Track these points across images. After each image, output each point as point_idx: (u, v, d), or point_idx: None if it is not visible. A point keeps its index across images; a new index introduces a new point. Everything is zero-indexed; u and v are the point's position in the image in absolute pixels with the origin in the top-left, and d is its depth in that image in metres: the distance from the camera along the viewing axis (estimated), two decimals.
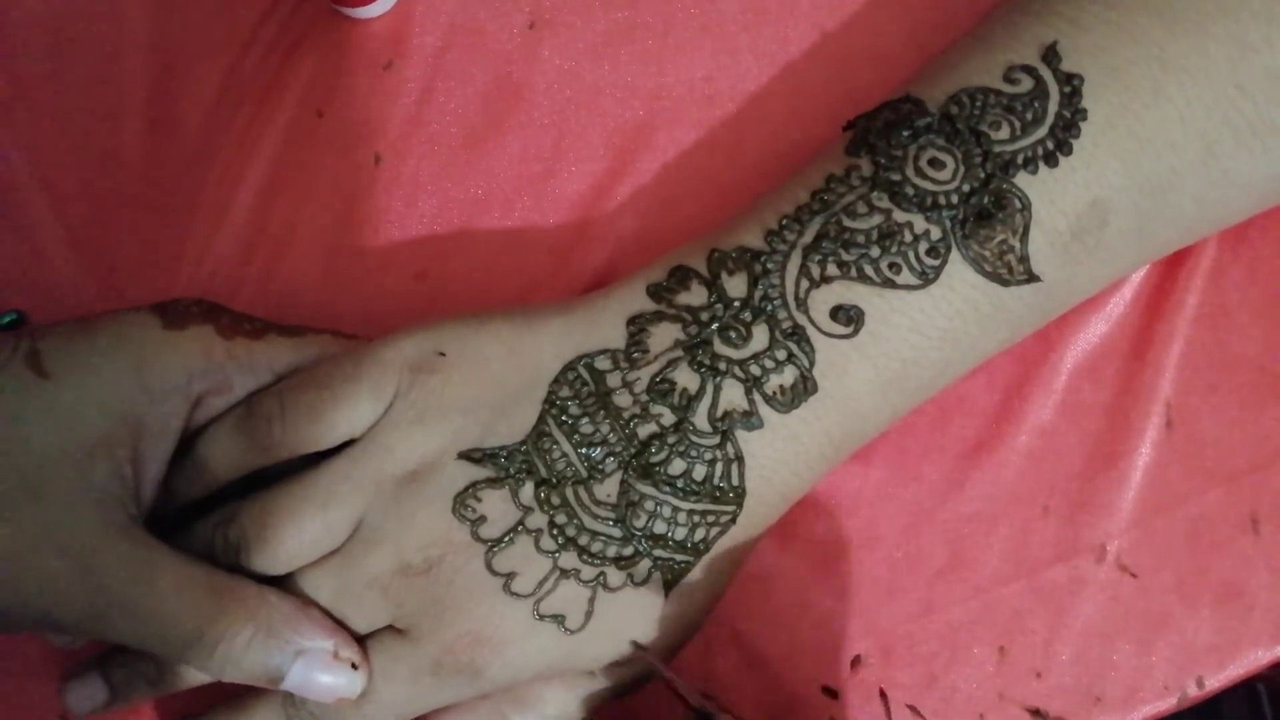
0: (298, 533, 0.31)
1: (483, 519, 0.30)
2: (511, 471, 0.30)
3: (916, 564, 0.36)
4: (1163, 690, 0.35)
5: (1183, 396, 0.36)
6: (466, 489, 0.30)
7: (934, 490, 0.36)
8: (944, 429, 0.36)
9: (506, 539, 0.30)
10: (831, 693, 0.35)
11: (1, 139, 0.36)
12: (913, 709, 0.35)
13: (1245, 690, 0.40)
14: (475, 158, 0.36)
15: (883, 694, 0.35)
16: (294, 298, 0.36)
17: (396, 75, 0.37)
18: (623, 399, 0.30)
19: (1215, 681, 0.36)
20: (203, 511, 0.33)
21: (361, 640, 0.31)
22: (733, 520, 0.31)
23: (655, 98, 0.37)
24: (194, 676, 0.32)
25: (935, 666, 0.35)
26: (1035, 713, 0.35)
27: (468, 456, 0.30)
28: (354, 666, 0.30)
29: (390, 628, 0.31)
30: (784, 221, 0.31)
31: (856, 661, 0.35)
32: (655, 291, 0.31)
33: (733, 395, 0.30)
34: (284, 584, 0.31)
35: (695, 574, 0.31)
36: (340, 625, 0.31)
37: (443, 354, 0.31)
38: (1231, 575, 0.36)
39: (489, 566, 0.30)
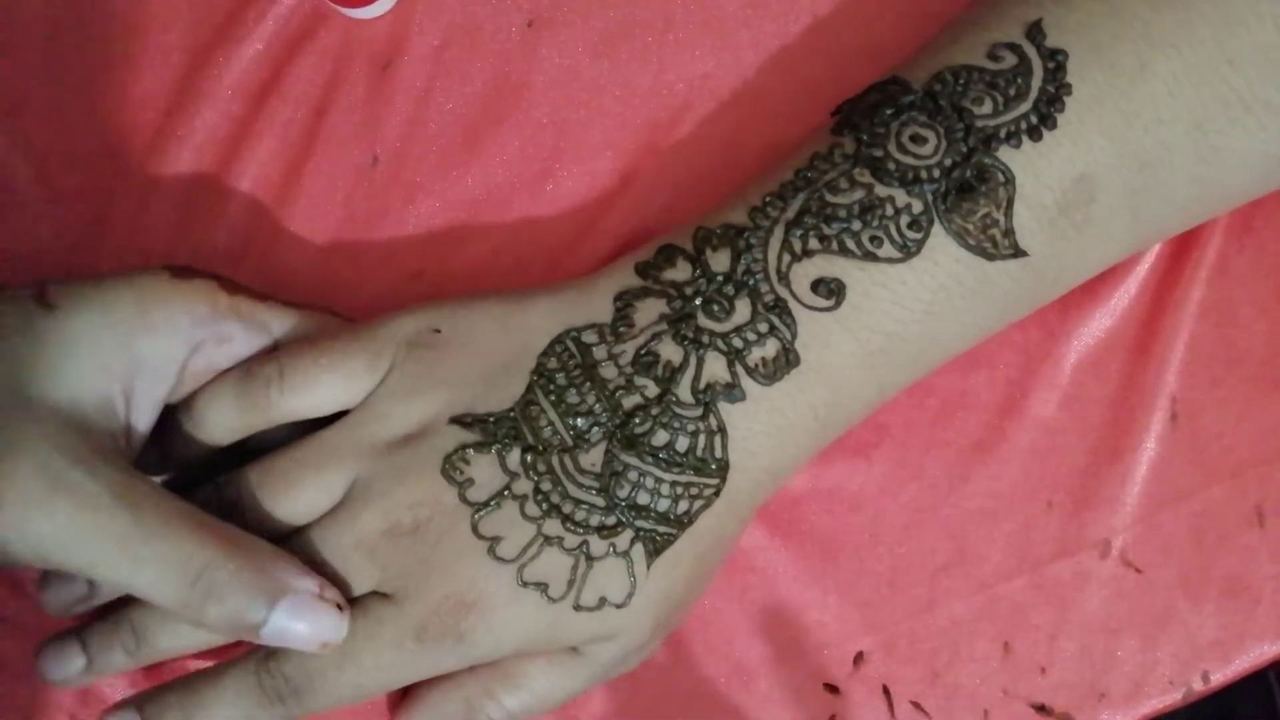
0: (293, 495, 0.31)
1: (470, 481, 0.30)
2: (499, 436, 0.31)
3: (920, 560, 0.36)
4: (1168, 685, 0.35)
5: (1187, 391, 0.36)
6: (455, 450, 0.31)
7: (937, 486, 0.36)
8: (947, 424, 0.36)
9: (493, 503, 0.30)
10: (834, 689, 0.35)
11: (2, 140, 0.37)
12: (916, 705, 0.35)
13: (1257, 679, 0.40)
14: (474, 157, 0.37)
15: (886, 690, 0.35)
16: (291, 297, 0.36)
17: (396, 75, 0.37)
18: (608, 371, 0.31)
19: (1221, 676, 0.36)
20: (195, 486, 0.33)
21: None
22: (716, 493, 0.31)
23: (655, 95, 0.37)
24: (172, 647, 0.32)
25: (939, 662, 0.35)
26: (1040, 708, 0.35)
27: (459, 421, 0.31)
28: (339, 609, 0.30)
29: (375, 593, 0.31)
30: (767, 198, 0.31)
31: (859, 658, 0.35)
32: (642, 269, 0.32)
33: (715, 367, 0.30)
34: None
35: (680, 547, 0.31)
36: None
37: (438, 331, 0.32)
38: (1237, 569, 0.36)
39: (475, 529, 0.30)
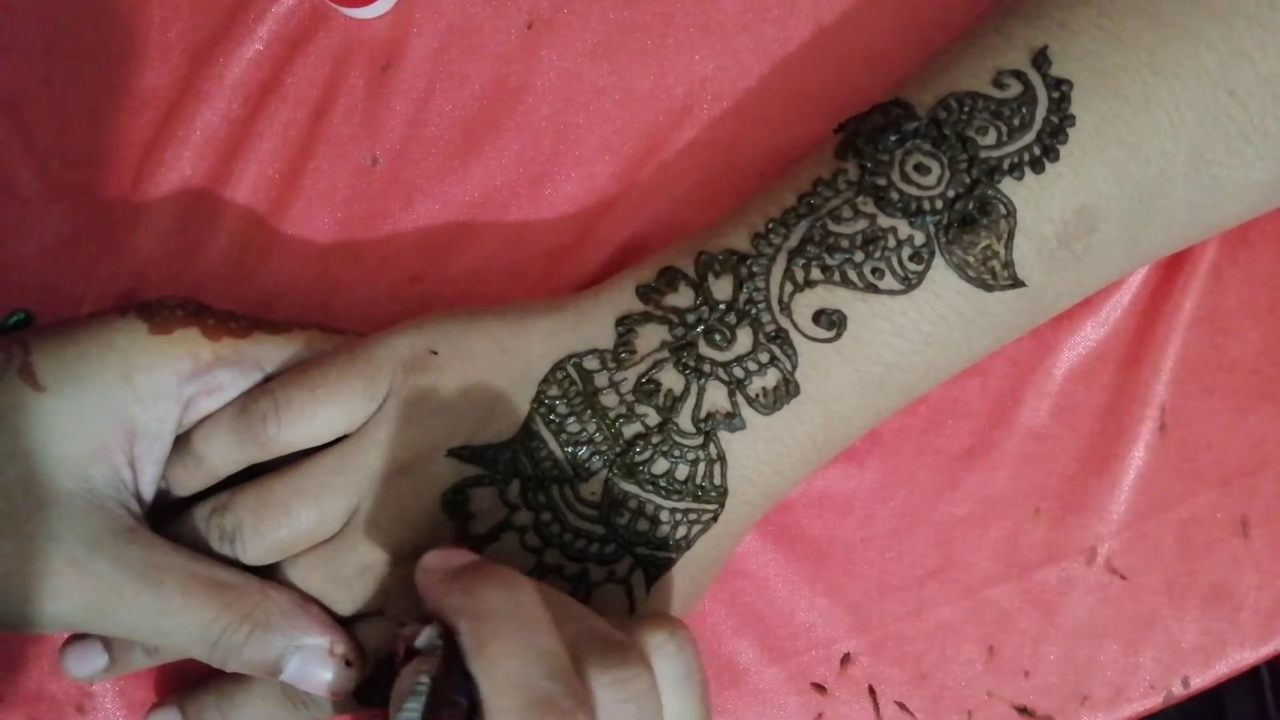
0: (292, 523, 0.32)
1: (471, 516, 0.31)
2: (499, 470, 0.31)
3: (908, 564, 0.36)
4: (1148, 689, 0.36)
5: (1177, 399, 0.36)
6: (455, 486, 0.31)
7: (927, 492, 0.36)
8: (937, 431, 0.36)
9: (492, 535, 0.31)
10: (821, 689, 0.36)
11: (2, 139, 0.37)
12: (901, 705, 0.36)
13: (1249, 678, 0.41)
14: (473, 160, 0.37)
15: (872, 691, 0.36)
16: (289, 299, 0.36)
17: (395, 76, 0.37)
18: (609, 399, 0.31)
19: (1201, 681, 0.36)
20: (196, 495, 0.33)
21: (352, 621, 0.32)
22: (714, 519, 0.31)
23: (654, 99, 0.37)
24: None
25: (925, 664, 0.36)
26: (1023, 710, 0.36)
27: (457, 454, 0.31)
28: (348, 664, 0.31)
29: (380, 613, 0.32)
30: (770, 225, 0.31)
31: (847, 659, 0.36)
32: (644, 292, 0.32)
33: (716, 397, 0.31)
34: (277, 571, 0.32)
35: (678, 570, 0.31)
36: (330, 611, 0.32)
37: (435, 352, 0.32)
38: (1221, 577, 0.36)
39: None
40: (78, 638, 0.33)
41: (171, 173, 0.36)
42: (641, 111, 0.37)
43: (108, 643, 0.33)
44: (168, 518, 0.33)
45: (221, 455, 0.32)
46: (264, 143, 0.36)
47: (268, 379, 0.33)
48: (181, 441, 0.33)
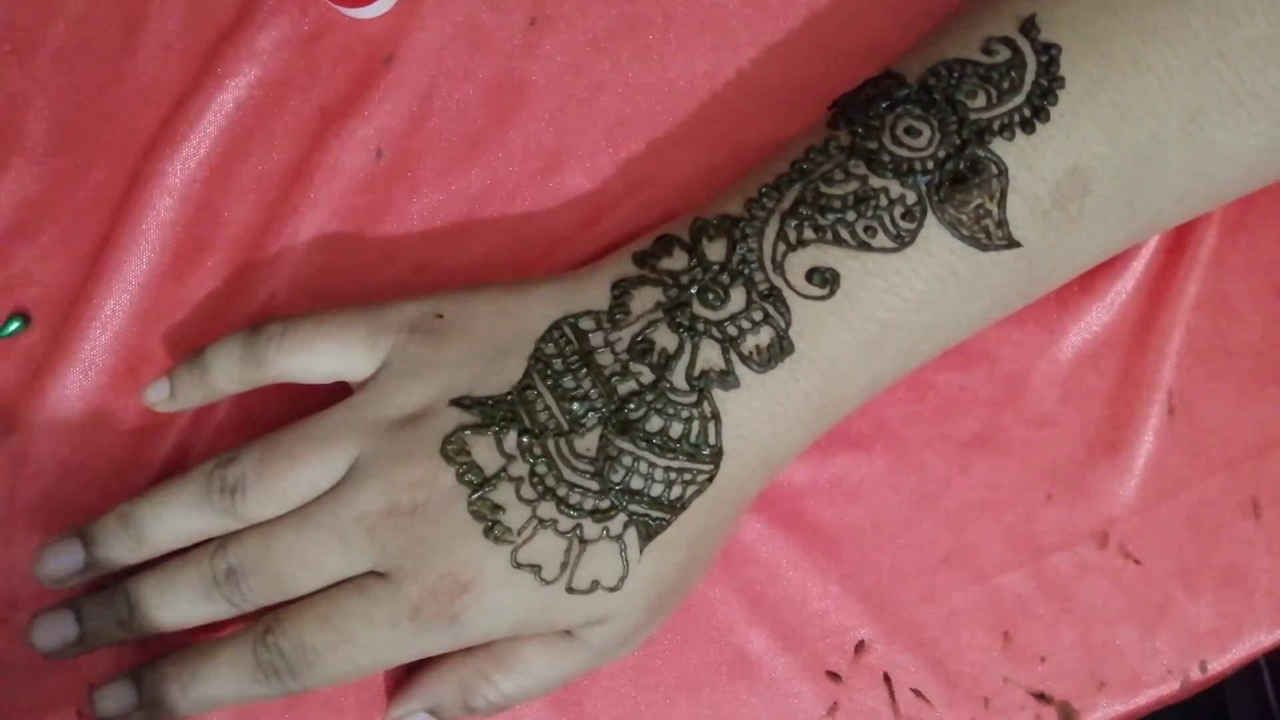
0: (296, 470, 0.32)
1: (468, 462, 0.31)
2: (497, 419, 0.31)
3: (921, 551, 0.36)
4: (1165, 674, 0.36)
5: (1184, 383, 0.37)
6: (454, 431, 0.31)
7: (937, 478, 0.36)
8: (947, 418, 0.36)
9: (489, 484, 0.31)
10: (836, 677, 0.36)
11: (2, 140, 0.37)
12: (917, 693, 0.36)
13: (1248, 668, 0.40)
14: (476, 153, 0.37)
15: (887, 678, 0.36)
16: (293, 290, 0.36)
17: (399, 72, 0.37)
18: (604, 357, 0.31)
19: (1218, 665, 0.36)
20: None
21: (343, 583, 0.32)
22: (709, 479, 0.31)
23: (656, 92, 0.37)
24: (167, 620, 0.33)
25: (939, 651, 0.36)
26: (1039, 696, 0.36)
27: (458, 403, 0.31)
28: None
29: (373, 573, 0.32)
30: (763, 190, 0.31)
31: (861, 646, 0.36)
32: (640, 258, 0.32)
33: (710, 355, 0.31)
34: (276, 522, 0.32)
35: (673, 533, 0.31)
36: (323, 565, 0.32)
37: (440, 316, 0.33)
38: (1233, 560, 0.36)
39: (471, 510, 0.31)
40: (47, 609, 0.33)
41: (173, 171, 0.36)
42: (643, 105, 0.37)
43: (78, 611, 0.33)
44: (170, 476, 0.33)
45: (224, 369, 0.33)
46: (266, 139, 0.37)
47: None
48: (192, 356, 0.34)
